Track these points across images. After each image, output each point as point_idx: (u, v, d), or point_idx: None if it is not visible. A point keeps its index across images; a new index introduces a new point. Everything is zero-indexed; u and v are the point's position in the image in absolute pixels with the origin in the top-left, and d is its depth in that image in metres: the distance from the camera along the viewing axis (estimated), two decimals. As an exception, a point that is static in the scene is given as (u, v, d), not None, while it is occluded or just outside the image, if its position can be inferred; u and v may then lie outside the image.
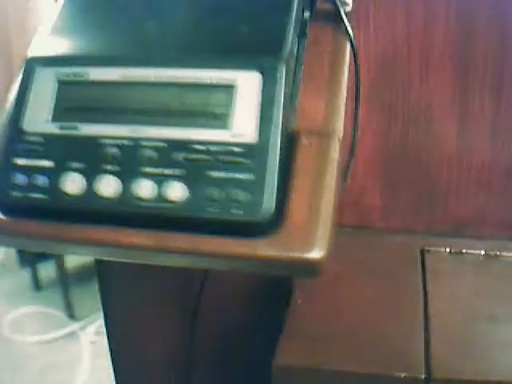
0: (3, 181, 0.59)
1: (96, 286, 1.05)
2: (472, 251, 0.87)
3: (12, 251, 2.52)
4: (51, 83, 0.62)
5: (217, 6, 0.64)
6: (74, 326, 2.36)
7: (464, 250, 0.86)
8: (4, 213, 0.60)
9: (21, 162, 0.60)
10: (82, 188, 0.59)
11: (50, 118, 0.61)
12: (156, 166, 0.58)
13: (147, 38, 0.63)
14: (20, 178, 0.59)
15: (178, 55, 0.61)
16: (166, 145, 0.58)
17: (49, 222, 0.60)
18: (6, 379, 2.09)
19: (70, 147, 0.60)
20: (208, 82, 0.59)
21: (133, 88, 0.60)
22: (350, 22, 0.69)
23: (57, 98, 0.61)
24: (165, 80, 0.59)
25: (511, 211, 0.88)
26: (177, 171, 0.57)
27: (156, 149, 0.58)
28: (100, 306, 1.06)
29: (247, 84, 0.58)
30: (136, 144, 0.59)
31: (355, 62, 0.69)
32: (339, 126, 0.64)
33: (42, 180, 0.59)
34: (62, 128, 0.60)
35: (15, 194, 0.59)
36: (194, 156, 0.57)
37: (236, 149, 0.57)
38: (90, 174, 0.59)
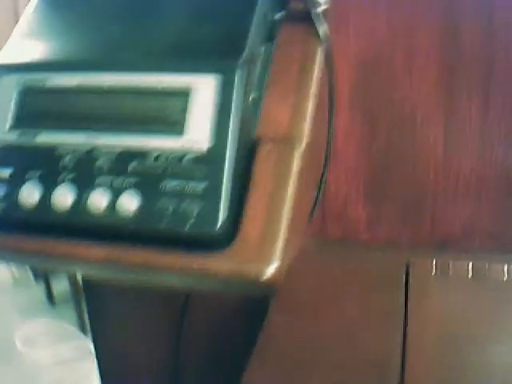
0: None
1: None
2: (459, 264, 0.83)
3: (26, 266, 2.53)
4: (12, 91, 0.61)
5: (177, 10, 0.63)
6: (87, 340, 2.36)
7: (451, 264, 0.83)
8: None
9: None
10: (37, 199, 0.58)
11: (8, 126, 0.60)
12: (109, 175, 0.56)
13: (105, 44, 0.62)
14: None
15: (135, 60, 0.60)
16: (120, 153, 0.57)
17: (4, 233, 0.59)
18: (18, 393, 2.10)
19: (28, 156, 0.59)
20: (164, 86, 0.57)
21: (89, 94, 0.59)
22: (326, 23, 0.66)
23: (16, 105, 0.61)
24: (120, 86, 0.58)
25: (500, 223, 0.84)
26: (130, 181, 0.56)
27: (110, 157, 0.57)
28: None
29: (203, 88, 0.56)
30: (90, 152, 0.57)
31: (328, 65, 0.66)
32: (304, 133, 0.61)
33: None
34: (20, 136, 0.60)
35: None
36: (147, 165, 0.56)
37: (189, 156, 0.55)
38: (46, 184, 0.58)
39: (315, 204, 0.73)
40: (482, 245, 0.84)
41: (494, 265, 0.82)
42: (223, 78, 0.55)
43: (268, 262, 0.54)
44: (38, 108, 0.60)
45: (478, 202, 0.83)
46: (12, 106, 0.61)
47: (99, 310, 1.01)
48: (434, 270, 0.83)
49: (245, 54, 0.56)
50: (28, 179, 0.58)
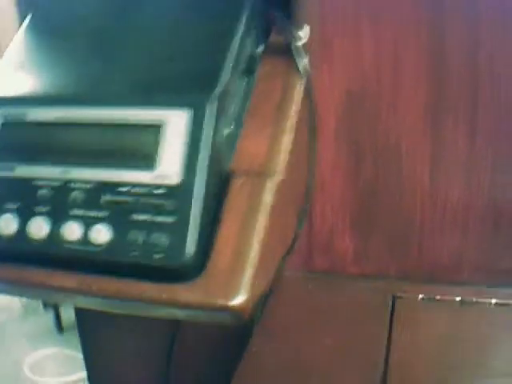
0: None
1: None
2: (447, 297, 0.83)
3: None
4: None
5: (152, 45, 0.64)
6: (95, 368, 2.35)
7: (438, 297, 0.83)
8: None
9: None
10: (14, 229, 0.59)
11: None
12: (83, 208, 0.58)
13: (83, 79, 0.63)
14: None
15: (111, 95, 0.61)
16: (92, 187, 0.58)
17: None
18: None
19: (6, 188, 0.60)
20: (136, 121, 0.58)
21: (66, 129, 0.61)
22: (306, 57, 0.67)
23: None
24: (95, 120, 0.59)
25: (489, 255, 0.83)
26: (102, 214, 0.57)
27: (83, 191, 0.58)
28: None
29: (175, 123, 0.57)
30: (65, 186, 0.59)
31: (308, 98, 0.67)
32: (280, 166, 0.62)
33: None
34: (0, 169, 0.61)
35: None
36: (119, 198, 0.57)
37: (159, 191, 0.56)
38: (23, 216, 0.59)
39: (296, 237, 0.73)
40: (470, 277, 0.83)
41: (481, 298, 0.81)
42: (194, 112, 0.56)
43: (235, 294, 0.54)
44: (17, 141, 0.62)
45: (466, 233, 0.83)
46: None
47: (90, 336, 1.02)
48: (421, 302, 0.83)
49: (216, 89, 0.57)
50: (6, 210, 0.59)
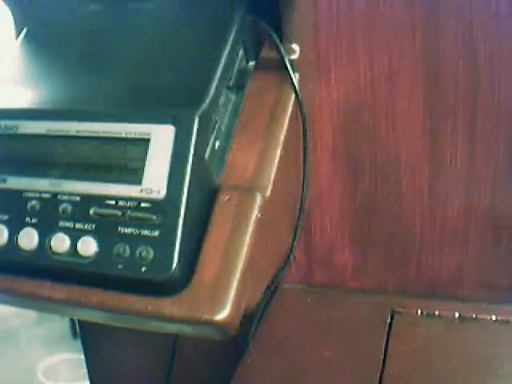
0: None
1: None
2: (446, 313, 0.82)
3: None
4: None
5: (141, 60, 0.64)
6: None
7: (437, 312, 0.82)
8: None
9: None
10: (4, 240, 0.60)
11: None
12: (71, 220, 0.58)
13: (72, 93, 0.64)
14: None
15: (98, 109, 0.62)
16: (80, 199, 0.58)
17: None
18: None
19: None
20: (124, 135, 0.59)
21: (55, 142, 0.61)
22: (299, 71, 0.66)
23: None
24: (83, 134, 0.60)
25: (489, 270, 0.82)
26: (89, 226, 0.57)
27: (71, 203, 0.59)
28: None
29: (162, 138, 0.57)
30: (54, 198, 0.59)
31: (301, 112, 0.67)
32: (269, 181, 0.62)
33: None
34: None
35: None
36: (105, 211, 0.57)
37: (144, 205, 0.56)
38: (13, 227, 0.60)
39: (291, 251, 0.73)
40: (470, 292, 0.82)
41: (481, 314, 0.80)
42: (179, 127, 0.57)
43: (220, 309, 0.54)
44: (8, 153, 0.62)
45: (466, 248, 0.82)
46: None
47: (93, 347, 1.03)
48: (420, 317, 0.82)
49: (202, 104, 0.57)
50: None
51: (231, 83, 0.62)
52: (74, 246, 0.57)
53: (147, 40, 0.66)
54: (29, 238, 0.59)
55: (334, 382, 0.75)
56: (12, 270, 0.60)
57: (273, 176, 0.62)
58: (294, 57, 0.66)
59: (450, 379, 0.75)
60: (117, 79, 0.63)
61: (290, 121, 0.65)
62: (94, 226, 0.57)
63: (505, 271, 0.83)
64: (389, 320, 0.83)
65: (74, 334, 2.60)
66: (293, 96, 0.66)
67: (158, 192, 0.56)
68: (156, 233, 0.55)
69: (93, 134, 0.59)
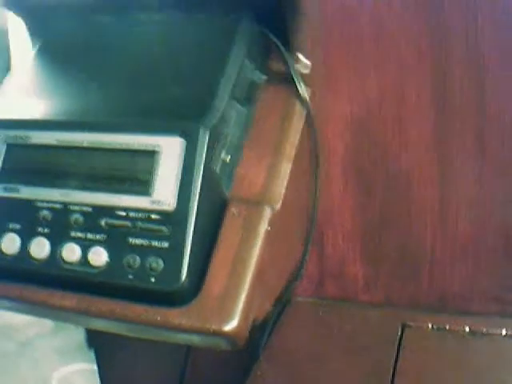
0: None
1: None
2: (456, 327, 0.82)
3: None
4: None
5: (152, 71, 0.65)
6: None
7: (448, 326, 0.81)
8: None
9: None
10: (16, 249, 0.61)
11: None
12: (81, 230, 0.59)
13: (83, 105, 0.65)
14: None
15: (108, 120, 0.63)
16: (91, 210, 0.59)
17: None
18: None
19: (10, 208, 0.62)
20: (133, 147, 0.60)
21: (66, 152, 0.62)
22: (308, 84, 0.67)
23: (2, 159, 0.64)
24: (93, 145, 0.61)
25: (500, 284, 0.82)
26: (99, 237, 0.58)
27: (82, 213, 0.59)
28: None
29: (170, 150, 0.58)
30: (65, 208, 0.60)
31: (310, 125, 0.67)
32: (278, 194, 0.62)
33: None
34: (4, 190, 0.63)
35: None
36: (116, 222, 0.58)
37: (154, 216, 0.57)
38: (25, 236, 0.61)
39: (302, 264, 0.73)
40: (481, 306, 0.82)
41: (492, 328, 0.80)
42: (187, 139, 0.57)
43: (228, 319, 0.55)
44: (20, 163, 0.63)
45: (477, 262, 0.81)
46: None
47: (105, 358, 1.03)
48: (432, 330, 0.82)
49: (211, 117, 0.58)
50: (9, 230, 0.61)
51: (239, 95, 0.63)
52: (84, 255, 0.58)
53: (157, 52, 0.67)
54: (40, 247, 0.59)
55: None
56: (23, 279, 0.61)
57: (282, 189, 0.62)
58: (306, 71, 0.66)
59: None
60: (126, 91, 0.64)
61: (301, 134, 0.66)
62: (104, 237, 0.58)
63: (516, 285, 0.83)
64: (399, 333, 0.82)
65: (90, 345, 2.61)
66: (302, 109, 0.66)
67: (168, 204, 0.56)
68: (166, 244, 0.56)
69: (103, 146, 0.60)
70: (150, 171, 0.58)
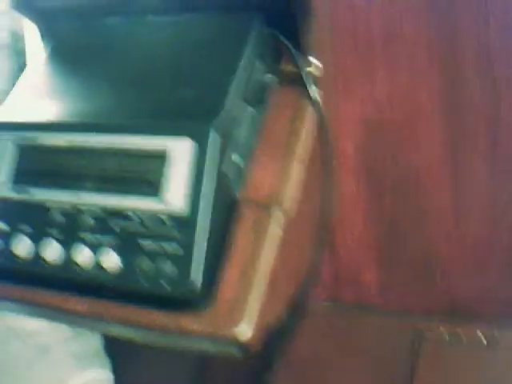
0: None
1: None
2: (472, 335, 0.81)
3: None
4: (7, 147, 0.65)
5: (161, 72, 0.65)
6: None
7: (462, 333, 0.81)
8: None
9: None
10: (29, 252, 0.61)
11: (2, 181, 0.64)
12: (93, 233, 0.59)
13: (93, 107, 0.65)
14: None
15: (119, 122, 0.62)
16: (102, 212, 0.59)
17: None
18: None
19: (22, 211, 0.62)
20: (143, 148, 0.59)
21: (76, 154, 0.62)
22: (318, 86, 0.66)
23: (10, 162, 0.64)
24: (104, 147, 0.61)
25: None
26: (111, 239, 0.58)
27: (93, 216, 0.59)
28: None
29: (180, 151, 0.57)
30: (76, 210, 0.60)
31: (322, 128, 0.66)
32: (289, 197, 0.61)
33: None
34: (16, 192, 0.63)
35: None
36: (127, 225, 0.58)
37: (166, 219, 0.56)
38: (37, 239, 0.61)
39: (316, 270, 0.72)
40: (496, 314, 0.81)
41: (506, 332, 0.79)
42: (197, 141, 0.56)
43: (240, 325, 0.54)
44: (31, 165, 0.64)
45: (491, 270, 0.80)
46: (6, 162, 0.64)
47: (122, 364, 1.03)
48: (447, 337, 0.81)
49: (220, 118, 0.57)
50: (21, 233, 0.61)
51: (250, 97, 0.62)
52: (97, 259, 0.58)
53: (167, 53, 0.66)
54: (52, 251, 0.59)
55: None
56: (35, 282, 0.60)
57: (294, 192, 0.61)
58: (317, 73, 0.66)
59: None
60: (137, 93, 0.64)
61: (312, 136, 0.65)
62: (117, 241, 0.57)
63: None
64: (413, 340, 0.82)
65: (108, 351, 2.61)
66: (313, 111, 0.65)
67: (178, 206, 0.56)
68: (177, 247, 0.55)
69: (114, 147, 0.60)
70: (161, 173, 0.57)
